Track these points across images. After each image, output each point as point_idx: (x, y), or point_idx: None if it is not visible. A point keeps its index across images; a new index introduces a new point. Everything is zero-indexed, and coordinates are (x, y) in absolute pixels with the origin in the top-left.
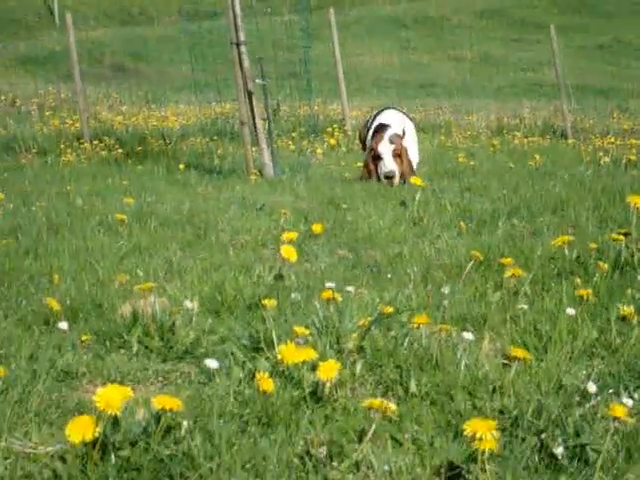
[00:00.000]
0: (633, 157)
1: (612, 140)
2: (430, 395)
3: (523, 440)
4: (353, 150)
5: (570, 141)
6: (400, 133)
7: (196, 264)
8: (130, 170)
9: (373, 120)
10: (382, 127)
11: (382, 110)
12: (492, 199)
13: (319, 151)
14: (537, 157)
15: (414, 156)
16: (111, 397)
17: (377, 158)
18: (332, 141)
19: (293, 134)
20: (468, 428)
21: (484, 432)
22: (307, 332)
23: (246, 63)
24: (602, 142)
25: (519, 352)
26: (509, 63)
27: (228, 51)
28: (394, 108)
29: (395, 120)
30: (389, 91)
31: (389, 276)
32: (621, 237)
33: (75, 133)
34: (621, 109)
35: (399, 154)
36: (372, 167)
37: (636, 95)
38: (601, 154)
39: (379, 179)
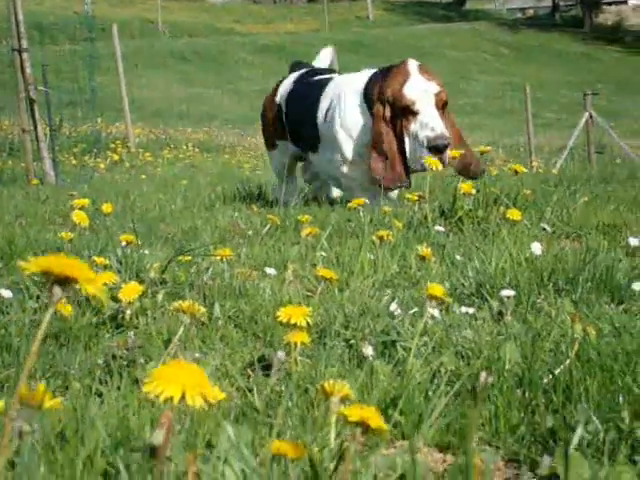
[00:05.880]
0: None
1: None
2: (234, 319)
3: (332, 348)
4: (136, 166)
5: None
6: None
7: None
8: None
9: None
10: (386, 68)
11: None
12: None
13: (102, 166)
14: None
15: None
16: None
17: (404, 114)
18: (116, 156)
19: (75, 150)
20: (282, 314)
21: (298, 318)
22: (106, 262)
23: (28, 70)
24: None
25: (325, 272)
26: None
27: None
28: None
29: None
30: (171, 121)
31: (183, 243)
32: (415, 197)
33: None
34: None
35: (443, 107)
36: (391, 139)
37: None
38: None
39: (407, 169)
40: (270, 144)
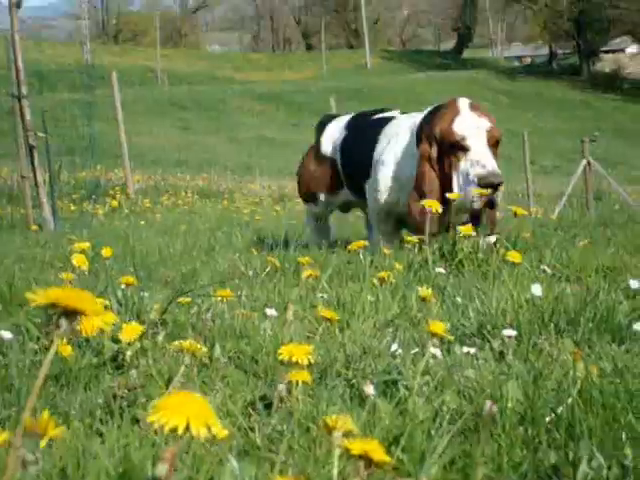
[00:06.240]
0: None
1: None
2: (234, 360)
3: (334, 387)
4: (135, 212)
5: None
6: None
7: None
8: None
9: (351, 124)
10: (437, 107)
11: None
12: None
13: (101, 212)
14: None
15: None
16: None
17: (452, 150)
18: (114, 203)
19: (74, 196)
20: (284, 352)
21: (300, 356)
22: (107, 302)
23: (28, 117)
24: None
25: (326, 312)
26: (288, 145)
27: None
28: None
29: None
30: (170, 168)
31: (183, 285)
32: (414, 239)
33: None
34: None
35: (495, 145)
36: (433, 179)
37: None
38: None
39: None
40: (310, 197)
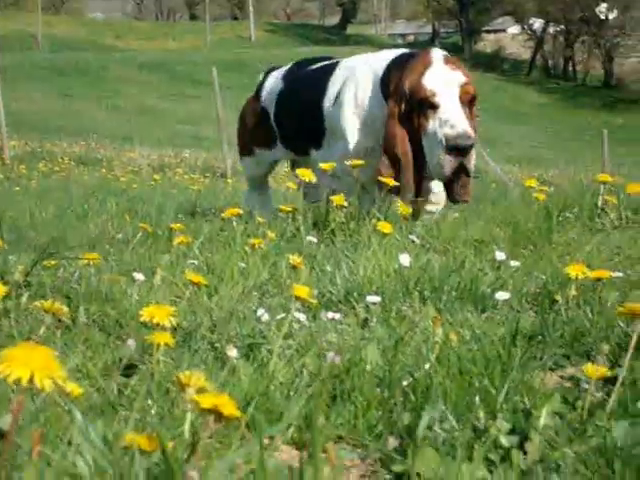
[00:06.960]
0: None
1: None
2: (98, 323)
3: (197, 351)
4: (11, 178)
5: (230, 180)
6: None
7: None
8: None
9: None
10: (408, 55)
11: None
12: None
13: None
14: (195, 187)
15: None
16: None
17: (422, 109)
18: None
19: None
20: (145, 313)
21: (162, 318)
22: None
23: None
24: None
25: (193, 277)
26: (168, 116)
27: None
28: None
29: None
30: (48, 135)
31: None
32: (287, 209)
33: None
34: None
35: (470, 103)
36: (406, 141)
37: None
38: None
39: (420, 178)
40: (246, 150)
